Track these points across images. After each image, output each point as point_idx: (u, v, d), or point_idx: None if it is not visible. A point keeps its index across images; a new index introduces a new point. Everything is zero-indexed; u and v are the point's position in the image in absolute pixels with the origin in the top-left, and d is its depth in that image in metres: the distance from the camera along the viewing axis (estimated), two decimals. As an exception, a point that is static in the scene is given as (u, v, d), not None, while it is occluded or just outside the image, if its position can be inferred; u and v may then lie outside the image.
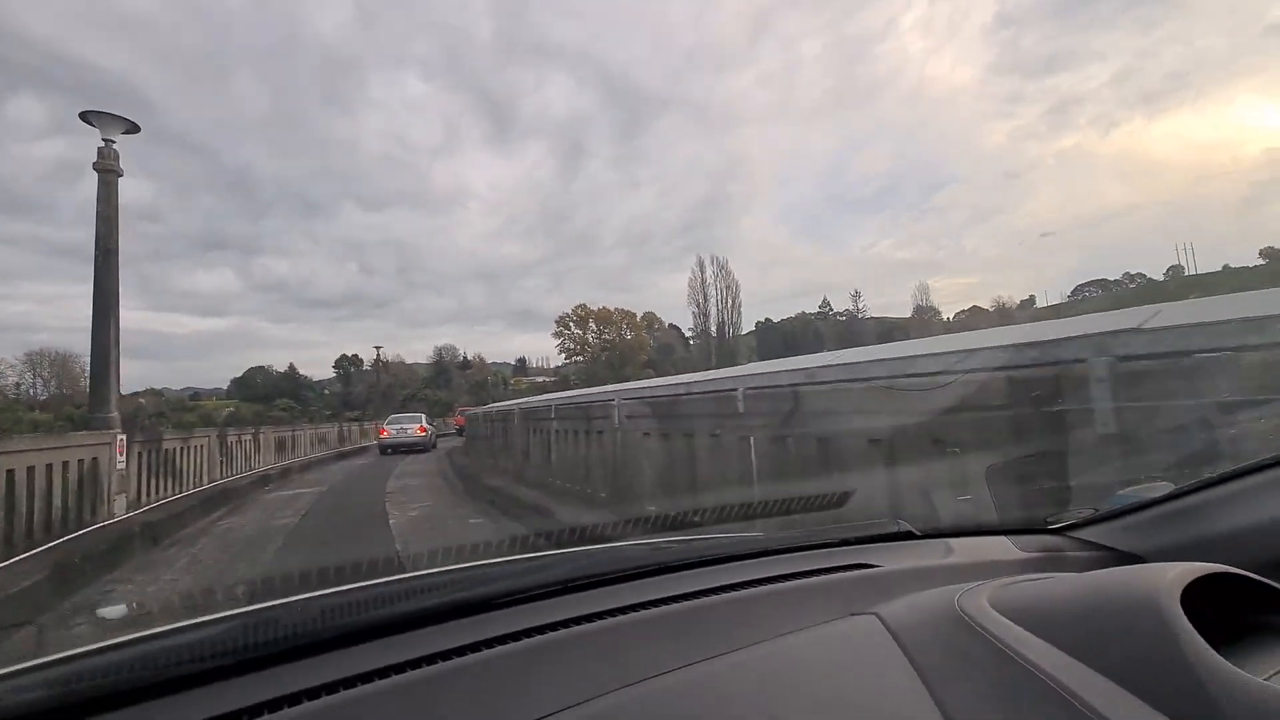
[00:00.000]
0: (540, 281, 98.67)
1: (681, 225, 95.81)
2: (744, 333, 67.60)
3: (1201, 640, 0.58)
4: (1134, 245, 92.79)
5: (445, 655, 0.68)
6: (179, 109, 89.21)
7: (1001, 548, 1.16)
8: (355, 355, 77.09)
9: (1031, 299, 65.18)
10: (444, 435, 24.70)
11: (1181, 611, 0.60)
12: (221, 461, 11.23)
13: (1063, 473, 2.34)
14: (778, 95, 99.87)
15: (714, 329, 65.58)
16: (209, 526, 7.54)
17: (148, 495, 8.06)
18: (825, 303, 73.70)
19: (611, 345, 64.40)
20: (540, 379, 68.50)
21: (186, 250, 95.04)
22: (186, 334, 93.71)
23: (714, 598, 0.89)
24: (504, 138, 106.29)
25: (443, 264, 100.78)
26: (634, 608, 0.83)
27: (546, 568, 0.95)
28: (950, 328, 56.78)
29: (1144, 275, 68.16)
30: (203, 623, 0.70)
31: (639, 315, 67.98)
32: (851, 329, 66.83)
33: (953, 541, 1.19)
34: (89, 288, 7.73)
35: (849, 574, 1.02)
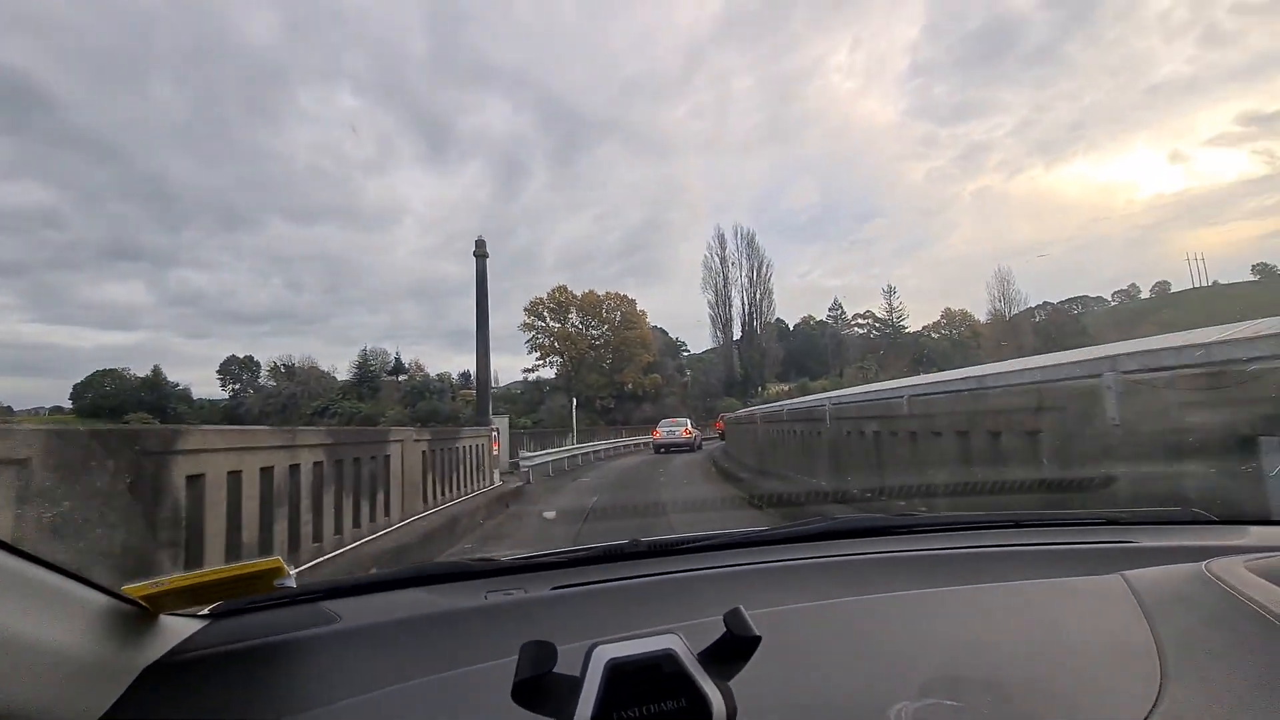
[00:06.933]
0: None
1: (621, 249, 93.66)
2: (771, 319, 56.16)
3: None
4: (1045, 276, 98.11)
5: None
6: (88, 110, 79.52)
7: None
8: (249, 357, 59.86)
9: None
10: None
11: None
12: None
13: None
14: (712, 126, 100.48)
15: (738, 320, 54.98)
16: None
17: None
18: (836, 305, 66.31)
19: (603, 343, 51.40)
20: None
21: (93, 259, 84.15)
22: (90, 348, 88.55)
23: (955, 550, 1.10)
24: (441, 156, 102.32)
25: (376, 281, 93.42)
26: (880, 554, 1.10)
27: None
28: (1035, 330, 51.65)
29: (1137, 288, 68.83)
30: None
31: (638, 305, 53.09)
32: (896, 339, 59.06)
33: (1251, 529, 1.14)
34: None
35: (1102, 545, 1.06)
